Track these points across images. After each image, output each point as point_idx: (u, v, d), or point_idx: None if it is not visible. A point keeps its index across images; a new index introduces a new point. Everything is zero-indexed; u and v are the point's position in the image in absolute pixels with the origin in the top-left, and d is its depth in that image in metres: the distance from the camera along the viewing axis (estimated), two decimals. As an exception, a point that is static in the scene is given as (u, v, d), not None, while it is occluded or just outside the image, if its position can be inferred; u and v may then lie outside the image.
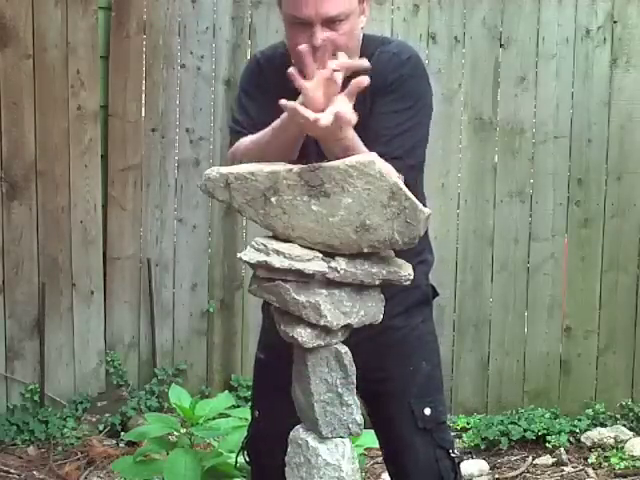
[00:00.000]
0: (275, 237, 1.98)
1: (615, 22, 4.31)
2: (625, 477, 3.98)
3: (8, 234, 4.23)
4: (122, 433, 4.19)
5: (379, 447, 2.50)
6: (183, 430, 3.18)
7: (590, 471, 4.04)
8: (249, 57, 4.17)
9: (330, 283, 1.96)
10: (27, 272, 4.28)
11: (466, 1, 4.38)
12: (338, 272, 1.94)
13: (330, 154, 2.05)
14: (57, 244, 4.32)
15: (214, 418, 3.18)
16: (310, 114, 1.93)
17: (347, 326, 1.99)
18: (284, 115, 2.03)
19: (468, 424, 4.34)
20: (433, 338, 2.44)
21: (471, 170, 4.43)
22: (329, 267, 1.95)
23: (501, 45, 4.39)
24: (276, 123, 2.09)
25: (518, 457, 4.18)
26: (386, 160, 1.99)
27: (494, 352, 4.47)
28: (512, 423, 4.26)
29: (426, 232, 2.07)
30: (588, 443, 4.21)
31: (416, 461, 2.35)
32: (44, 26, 4.21)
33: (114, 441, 4.24)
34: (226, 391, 3.75)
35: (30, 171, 4.25)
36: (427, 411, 2.33)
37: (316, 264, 1.94)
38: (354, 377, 2.02)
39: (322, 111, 1.96)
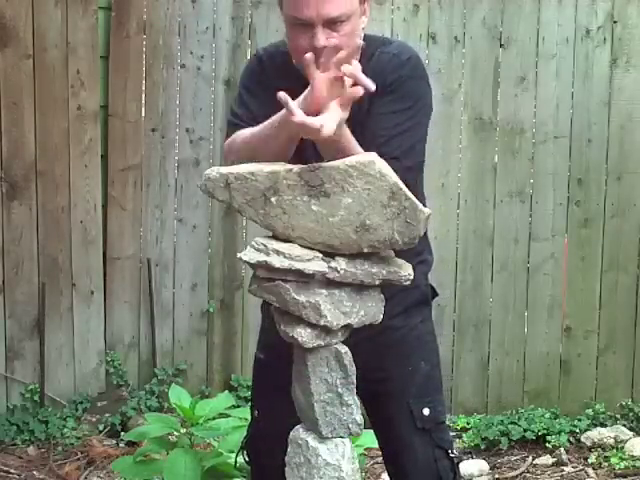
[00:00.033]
0: (275, 237, 1.98)
1: (615, 22, 4.31)
2: (625, 477, 3.99)
3: (8, 234, 4.24)
4: (122, 433, 4.20)
5: (378, 447, 2.51)
6: (183, 430, 3.18)
7: (590, 471, 4.04)
8: (249, 57, 4.17)
9: (330, 283, 1.96)
10: (27, 272, 4.28)
11: (466, 1, 4.38)
12: (338, 272, 1.94)
13: (326, 155, 2.04)
14: (57, 244, 4.32)
15: (214, 418, 3.18)
16: (308, 120, 1.91)
17: (347, 326, 1.99)
18: (284, 111, 2.02)
19: (468, 424, 4.34)
20: (432, 338, 2.43)
21: (471, 170, 4.43)
22: (329, 267, 1.95)
23: (501, 45, 4.39)
24: (276, 117, 2.08)
25: (518, 457, 4.18)
26: (384, 160, 1.98)
27: (494, 352, 4.47)
28: (512, 423, 4.26)
29: (425, 232, 2.06)
30: (588, 443, 4.21)
31: (415, 461, 2.35)
32: (44, 26, 4.21)
33: (114, 441, 4.24)
34: (226, 391, 3.75)
35: (30, 171, 4.25)
36: (426, 411, 2.33)
37: (316, 264, 1.94)
38: (354, 377, 2.02)
39: (321, 109, 1.94)
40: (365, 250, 1.95)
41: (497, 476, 4.02)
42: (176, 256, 4.51)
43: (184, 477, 2.94)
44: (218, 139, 4.43)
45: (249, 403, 2.60)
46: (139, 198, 4.45)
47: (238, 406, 3.89)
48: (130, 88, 4.40)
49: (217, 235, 4.52)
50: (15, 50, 4.18)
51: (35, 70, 4.22)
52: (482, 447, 4.20)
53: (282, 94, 1.92)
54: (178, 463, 2.97)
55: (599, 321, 4.41)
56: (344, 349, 2.01)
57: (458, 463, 2.42)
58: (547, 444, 4.18)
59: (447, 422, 2.47)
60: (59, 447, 4.16)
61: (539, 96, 4.38)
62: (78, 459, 4.10)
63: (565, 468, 4.07)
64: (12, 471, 3.98)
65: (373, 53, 2.23)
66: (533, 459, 4.15)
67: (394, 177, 1.93)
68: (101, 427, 4.31)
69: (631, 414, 4.35)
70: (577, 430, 4.25)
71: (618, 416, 4.36)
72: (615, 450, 4.13)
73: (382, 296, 2.02)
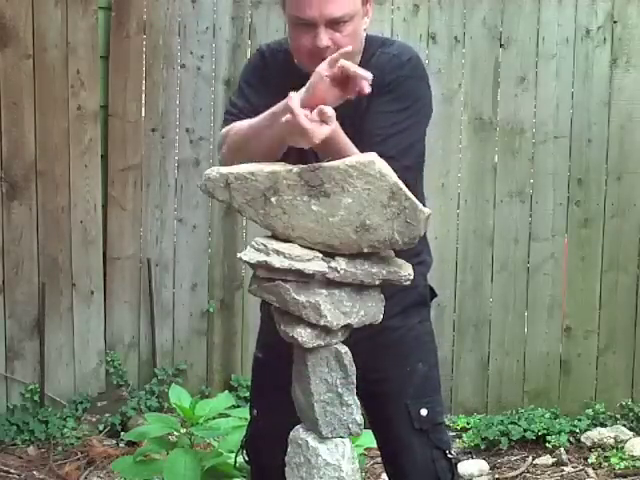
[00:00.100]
0: (275, 237, 1.98)
1: (615, 22, 4.31)
2: (625, 477, 3.98)
3: (8, 234, 4.23)
4: (122, 433, 4.19)
5: (377, 447, 2.51)
6: (183, 430, 3.18)
7: (590, 471, 4.04)
8: (249, 56, 4.16)
9: (330, 283, 1.96)
10: (27, 272, 4.28)
11: (466, 1, 4.38)
12: (338, 272, 1.95)
13: (323, 156, 2.04)
14: (57, 244, 4.32)
15: (214, 418, 3.18)
16: (306, 123, 1.91)
17: (347, 326, 1.99)
18: (282, 103, 2.01)
19: (468, 424, 4.34)
20: (430, 339, 2.43)
21: (471, 170, 4.43)
22: (329, 267, 1.95)
23: (501, 45, 4.39)
24: (274, 108, 2.07)
25: (518, 457, 4.18)
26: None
27: (494, 352, 4.47)
28: (512, 423, 4.26)
29: (425, 233, 2.06)
30: (588, 443, 4.21)
31: (413, 462, 2.35)
32: (44, 26, 4.21)
33: (114, 441, 4.24)
34: (226, 391, 3.75)
35: (30, 171, 4.25)
36: (424, 412, 2.33)
37: (316, 264, 1.94)
38: (354, 377, 2.02)
39: (318, 104, 1.95)
40: (365, 250, 1.95)
41: (497, 476, 4.02)
42: (176, 256, 4.50)
43: (184, 477, 2.94)
44: (218, 139, 4.42)
45: (249, 403, 2.60)
46: (139, 198, 4.45)
47: (238, 406, 3.88)
48: (130, 88, 4.40)
49: (217, 235, 4.52)
50: (15, 50, 4.18)
51: (35, 70, 4.22)
52: (482, 447, 4.20)
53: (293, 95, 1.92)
54: (178, 463, 2.97)
55: (599, 321, 4.41)
56: (344, 349, 2.01)
57: (456, 464, 2.43)
58: (547, 444, 4.18)
59: (447, 422, 2.48)
60: (59, 447, 4.16)
61: (539, 96, 4.38)
62: (78, 459, 4.10)
63: (565, 468, 4.07)
64: (12, 471, 3.98)
65: (373, 53, 2.23)
66: (533, 459, 4.15)
67: (394, 177, 1.93)
68: (101, 427, 4.31)
69: (631, 414, 4.35)
70: (577, 430, 4.25)
71: (618, 416, 4.36)
72: (615, 450, 4.13)
73: (382, 296, 2.02)
